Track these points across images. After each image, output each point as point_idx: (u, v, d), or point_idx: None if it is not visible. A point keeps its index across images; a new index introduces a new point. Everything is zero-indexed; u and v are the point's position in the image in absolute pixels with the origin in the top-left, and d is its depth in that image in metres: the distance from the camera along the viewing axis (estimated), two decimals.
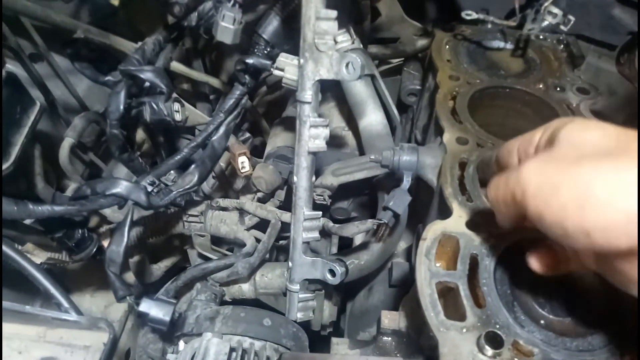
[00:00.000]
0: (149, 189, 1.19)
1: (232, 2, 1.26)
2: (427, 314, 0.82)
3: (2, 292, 0.98)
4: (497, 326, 0.80)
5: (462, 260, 0.89)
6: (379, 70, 1.97)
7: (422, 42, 1.73)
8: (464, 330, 0.79)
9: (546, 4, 1.36)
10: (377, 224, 1.15)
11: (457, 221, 0.95)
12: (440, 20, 1.75)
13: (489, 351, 0.76)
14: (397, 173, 1.17)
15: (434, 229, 0.94)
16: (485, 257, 0.89)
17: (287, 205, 1.48)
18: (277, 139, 1.65)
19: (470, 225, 0.94)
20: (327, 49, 1.09)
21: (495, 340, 0.77)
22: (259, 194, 1.58)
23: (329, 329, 1.61)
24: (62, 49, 1.46)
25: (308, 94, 1.13)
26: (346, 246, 1.61)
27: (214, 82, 1.70)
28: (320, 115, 1.17)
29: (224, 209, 1.49)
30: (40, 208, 1.04)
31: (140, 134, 1.65)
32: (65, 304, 0.90)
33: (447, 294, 0.89)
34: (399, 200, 1.10)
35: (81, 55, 1.36)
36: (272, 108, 1.99)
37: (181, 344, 1.31)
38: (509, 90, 1.30)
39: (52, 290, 0.91)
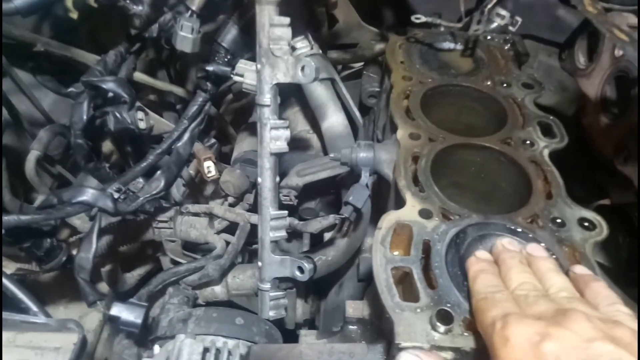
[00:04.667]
0: (115, 195, 1.22)
1: (189, 12, 1.30)
2: (383, 297, 0.87)
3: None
4: (449, 305, 0.85)
5: (416, 246, 0.95)
6: (341, 75, 2.04)
7: (379, 47, 1.80)
8: (418, 310, 0.84)
9: (489, 6, 1.44)
10: (339, 218, 1.19)
11: (410, 210, 1.01)
12: (396, 25, 1.83)
13: (441, 328, 0.81)
14: (355, 170, 1.23)
15: (389, 219, 0.99)
16: (437, 243, 0.95)
17: (256, 208, 1.51)
18: (243, 144, 1.69)
19: (423, 213, 1.00)
20: (282, 54, 1.15)
21: (446, 318, 0.82)
22: (230, 199, 1.62)
23: (305, 327, 1.65)
24: (24, 64, 1.47)
25: (267, 97, 1.18)
26: None
27: (178, 91, 1.73)
28: (280, 118, 1.22)
29: (196, 214, 1.52)
30: (6, 218, 1.06)
31: (108, 146, 1.67)
32: (33, 307, 0.92)
33: (404, 280, 0.94)
34: (358, 195, 1.15)
35: (43, 68, 1.38)
36: (239, 115, 2.03)
37: (156, 347, 1.33)
38: (458, 87, 1.37)
39: (20, 294, 0.93)
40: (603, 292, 0.75)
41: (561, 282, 0.78)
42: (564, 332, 0.63)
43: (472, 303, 0.79)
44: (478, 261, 0.87)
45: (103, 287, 1.53)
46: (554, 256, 0.90)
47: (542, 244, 0.92)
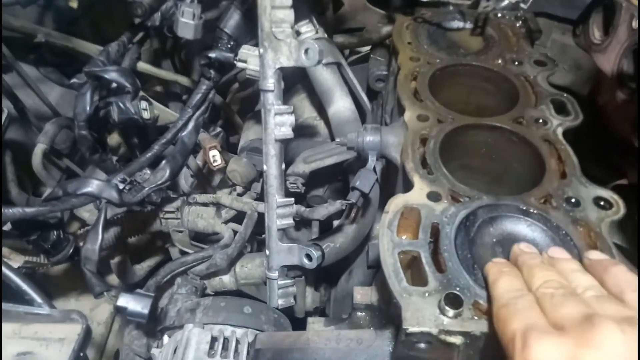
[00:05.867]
0: (121, 186, 1.21)
1: None
2: (390, 282, 0.84)
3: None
4: (458, 288, 0.82)
5: (424, 230, 0.92)
6: (349, 60, 2.00)
7: (387, 29, 1.76)
8: (426, 294, 0.82)
9: None
10: (346, 204, 1.17)
11: (418, 193, 0.98)
12: (403, 5, 1.78)
13: (450, 312, 0.78)
14: (362, 154, 1.20)
15: (396, 202, 0.96)
16: (446, 225, 0.92)
17: (263, 197, 1.50)
18: (249, 133, 1.67)
19: (431, 196, 0.97)
20: (285, 37, 1.11)
21: (455, 301, 0.79)
22: (238, 189, 1.60)
23: (315, 316, 1.63)
24: (26, 57, 1.47)
25: (270, 82, 1.16)
26: None
27: (183, 80, 1.72)
28: (285, 104, 1.19)
29: (203, 204, 1.51)
30: (11, 210, 1.06)
31: (116, 138, 1.67)
32: (37, 299, 0.92)
33: (412, 265, 0.92)
34: (364, 180, 1.13)
35: (45, 60, 1.37)
36: (245, 104, 2.02)
37: (165, 338, 1.32)
38: (468, 67, 1.33)
39: (24, 286, 0.92)
40: (624, 276, 0.69)
41: (587, 281, 0.71)
42: (594, 355, 0.56)
43: (493, 311, 0.72)
44: (496, 264, 0.80)
45: (113, 279, 1.53)
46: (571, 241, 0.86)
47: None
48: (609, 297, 0.67)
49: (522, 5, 1.59)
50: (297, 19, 1.14)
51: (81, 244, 1.32)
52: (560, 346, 0.58)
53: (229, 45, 1.36)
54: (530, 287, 0.72)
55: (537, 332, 0.61)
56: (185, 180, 1.65)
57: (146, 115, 1.36)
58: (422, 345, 0.80)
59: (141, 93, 1.35)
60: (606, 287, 0.70)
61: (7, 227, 1.21)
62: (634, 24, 1.19)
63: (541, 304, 0.67)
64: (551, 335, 0.60)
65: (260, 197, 1.60)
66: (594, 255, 0.79)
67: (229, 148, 1.80)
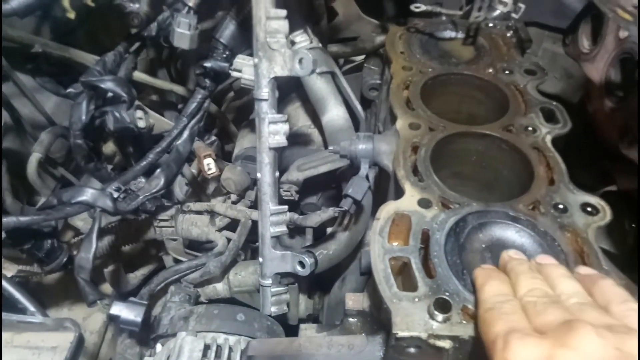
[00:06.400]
0: (115, 195, 1.22)
1: (186, 8, 1.30)
2: (381, 288, 0.85)
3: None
4: (447, 293, 0.83)
5: (414, 236, 0.93)
6: (343, 69, 2.03)
7: (380, 38, 1.78)
8: (416, 299, 0.83)
9: None
10: (339, 211, 1.18)
11: (409, 200, 0.99)
12: (397, 15, 1.80)
13: (439, 316, 0.79)
14: (355, 162, 1.21)
15: (387, 209, 0.97)
16: (436, 232, 0.93)
17: (257, 205, 1.50)
18: (244, 141, 1.68)
19: (422, 203, 0.98)
20: (279, 47, 1.13)
21: (444, 306, 0.80)
22: (232, 197, 1.61)
23: (308, 322, 1.63)
24: (23, 67, 1.48)
25: (264, 91, 1.17)
26: None
27: (179, 89, 1.73)
28: (279, 112, 1.20)
29: (197, 212, 1.52)
30: (5, 219, 1.06)
31: (111, 147, 1.68)
32: (30, 307, 0.92)
33: (403, 271, 0.92)
34: (357, 187, 1.14)
35: (43, 70, 1.38)
36: (240, 113, 2.03)
37: (158, 346, 1.32)
38: (459, 76, 1.35)
39: (17, 295, 0.93)
40: (612, 289, 0.71)
41: (572, 287, 0.73)
42: (570, 355, 0.58)
43: (478, 314, 0.74)
44: (485, 270, 0.82)
45: (106, 288, 1.53)
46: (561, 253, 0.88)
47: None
48: (591, 304, 0.69)
49: (513, 15, 1.61)
50: (292, 29, 1.16)
51: (75, 252, 1.33)
52: (538, 347, 0.60)
53: (224, 55, 1.38)
54: (516, 294, 0.74)
55: (518, 334, 0.63)
56: (180, 188, 1.66)
57: (141, 124, 1.37)
58: (412, 350, 0.81)
59: (137, 102, 1.36)
60: (594, 299, 0.71)
61: None
62: (621, 34, 1.22)
63: (525, 311, 0.69)
64: (531, 337, 0.62)
65: (254, 205, 1.61)
66: (584, 270, 0.80)
67: (223, 156, 1.81)
